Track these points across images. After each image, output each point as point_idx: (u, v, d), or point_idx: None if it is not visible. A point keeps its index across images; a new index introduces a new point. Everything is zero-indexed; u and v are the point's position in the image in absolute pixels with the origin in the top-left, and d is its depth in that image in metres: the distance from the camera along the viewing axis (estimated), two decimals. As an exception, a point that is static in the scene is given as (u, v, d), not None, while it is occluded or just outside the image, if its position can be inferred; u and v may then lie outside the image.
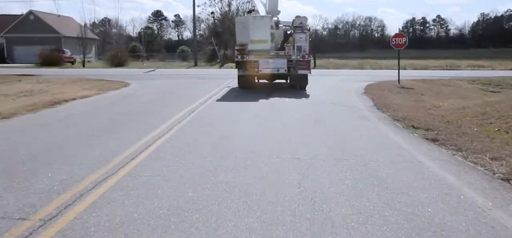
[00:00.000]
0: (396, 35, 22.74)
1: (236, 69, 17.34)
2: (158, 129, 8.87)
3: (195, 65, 41.83)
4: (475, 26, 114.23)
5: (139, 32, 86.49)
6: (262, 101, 14.07)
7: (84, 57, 42.82)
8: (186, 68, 38.87)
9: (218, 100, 14.39)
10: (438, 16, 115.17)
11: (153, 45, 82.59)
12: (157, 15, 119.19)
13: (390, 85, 21.04)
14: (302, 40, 16.74)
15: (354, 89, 19.19)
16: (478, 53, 71.73)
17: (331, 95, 16.32)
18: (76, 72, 32.61)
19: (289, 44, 16.77)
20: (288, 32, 18.49)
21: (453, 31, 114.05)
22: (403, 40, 22.35)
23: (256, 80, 18.44)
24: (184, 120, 10.14)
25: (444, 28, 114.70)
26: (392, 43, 22.56)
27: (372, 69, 36.83)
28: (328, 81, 23.02)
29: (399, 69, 22.96)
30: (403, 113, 11.39)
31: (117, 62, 40.09)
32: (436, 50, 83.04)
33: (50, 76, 27.07)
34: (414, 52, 77.29)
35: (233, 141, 7.75)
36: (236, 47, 17.14)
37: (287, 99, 14.57)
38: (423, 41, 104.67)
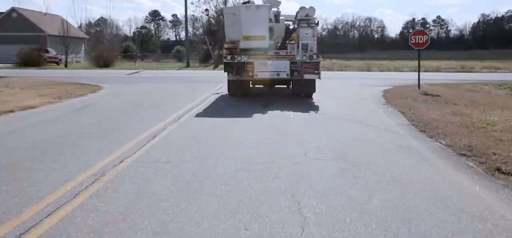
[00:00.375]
0: (415, 33, 18.95)
1: (226, 73, 13.45)
2: (78, 176, 5.05)
3: (187, 66, 37.93)
4: (476, 27, 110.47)
5: (134, 32, 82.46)
6: (256, 117, 10.21)
7: (66, 57, 38.81)
8: (177, 69, 34.95)
9: (198, 114, 10.52)
10: (438, 17, 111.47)
11: (148, 45, 78.63)
12: (155, 15, 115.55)
13: (410, 91, 17.29)
14: (308, 37, 12.88)
15: (371, 97, 15.40)
16: (479, 54, 68.32)
17: (346, 106, 12.47)
18: (52, 74, 28.68)
19: (293, 42, 12.89)
20: (291, 27, 14.60)
21: (453, 32, 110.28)
22: (424, 39, 18.60)
23: (251, 86, 14.59)
24: (133, 156, 6.29)
25: (444, 29, 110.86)
26: (411, 41, 18.80)
27: (380, 71, 32.99)
28: (337, 86, 19.18)
29: (419, 73, 19.14)
30: (463, 140, 7.62)
31: (103, 63, 36.15)
32: (437, 51, 79.32)
33: (17, 78, 23.23)
34: (415, 53, 73.94)
35: (198, 219, 3.90)
36: (226, 45, 13.28)
37: (291, 113, 10.71)
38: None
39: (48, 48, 42.09)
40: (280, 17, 14.35)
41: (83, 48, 53.74)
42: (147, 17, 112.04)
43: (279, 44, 14.72)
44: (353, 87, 19.32)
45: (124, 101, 13.49)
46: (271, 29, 13.27)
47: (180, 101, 13.00)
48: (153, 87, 18.42)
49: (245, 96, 13.91)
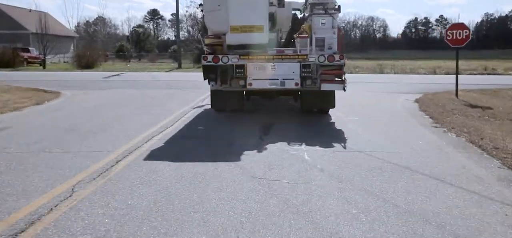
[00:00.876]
0: (453, 26, 14.64)
1: (209, 81, 9.13)
2: None
3: (179, 67, 33.61)
4: (479, 26, 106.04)
5: (130, 31, 77.79)
6: (248, 159, 5.91)
7: (44, 57, 34.40)
8: (167, 71, 30.59)
9: (151, 154, 6.23)
10: (441, 16, 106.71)
11: (145, 44, 74.23)
12: (154, 14, 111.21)
13: (449, 101, 13.24)
14: (325, 29, 8.57)
15: (404, 110, 11.22)
16: (483, 54, 64.16)
17: (383, 131, 8.16)
18: (22, 76, 24.35)
19: (305, 35, 8.55)
20: (300, 16, 10.28)
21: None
22: (464, 34, 14.35)
23: (246, 97, 10.33)
24: None
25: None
26: (447, 38, 14.61)
27: (394, 73, 28.60)
28: (354, 93, 14.84)
29: (457, 77, 14.82)
30: None
31: (85, 63, 31.85)
32: (440, 51, 75.16)
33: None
34: (418, 53, 69.86)
35: None
36: (206, 41, 8.97)
37: (304, 151, 6.42)
38: (428, 41, 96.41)
39: (30, 48, 37.67)
40: (286, 0, 10.01)
41: (72, 48, 49.23)
42: (146, 16, 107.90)
43: (283, 40, 10.47)
44: (374, 94, 15.07)
45: (60, 121, 9.19)
46: (272, 17, 8.98)
47: (140, 122, 8.75)
48: (121, 96, 14.13)
49: (236, 111, 9.71)
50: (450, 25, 14.85)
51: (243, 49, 8.47)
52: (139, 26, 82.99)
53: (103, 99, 13.24)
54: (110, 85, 18.72)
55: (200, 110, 10.68)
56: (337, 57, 8.33)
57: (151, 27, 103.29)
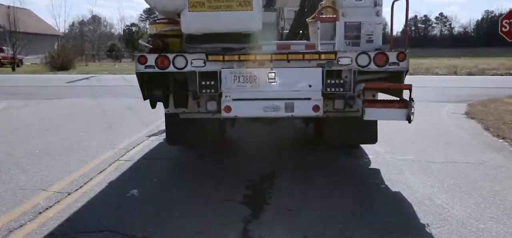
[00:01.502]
0: (510, 14, 10.74)
1: (158, 99, 5.06)
2: None
3: (166, 68, 29.55)
4: (480, 24, 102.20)
5: (123, 29, 73.72)
6: None
7: (14, 57, 30.23)
8: (151, 72, 26.52)
9: None
10: (441, 14, 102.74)
11: (138, 44, 70.27)
12: (149, 13, 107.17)
13: (508, 111, 9.35)
14: (363, 8, 4.56)
15: (477, 139, 7.20)
16: (487, 52, 60.64)
17: (486, 201, 4.08)
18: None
19: (328, 16, 4.48)
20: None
21: (457, 29, 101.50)
22: (529, 23, 10.47)
23: (230, 125, 6.06)
24: None
25: (448, 26, 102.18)
26: (503, 29, 10.82)
27: (410, 75, 24.51)
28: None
29: (516, 82, 10.82)
30: None
31: (60, 65, 27.83)
32: (440, 49, 71.71)
33: None
34: (418, 51, 66.18)
35: None
36: (152, 27, 4.93)
37: None
38: (427, 39, 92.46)
39: (4, 48, 33.43)
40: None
41: (56, 47, 45.03)
42: (141, 15, 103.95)
43: (285, 31, 6.40)
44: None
45: None
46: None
47: (33, 179, 4.75)
48: (63, 112, 10.12)
49: (209, 147, 5.73)
50: (506, 12, 10.85)
51: (214, 43, 4.39)
52: (133, 24, 78.77)
53: (33, 117, 9.21)
54: (68, 92, 14.67)
55: (154, 143, 6.63)
56: (393, 57, 4.27)
57: (147, 26, 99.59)
